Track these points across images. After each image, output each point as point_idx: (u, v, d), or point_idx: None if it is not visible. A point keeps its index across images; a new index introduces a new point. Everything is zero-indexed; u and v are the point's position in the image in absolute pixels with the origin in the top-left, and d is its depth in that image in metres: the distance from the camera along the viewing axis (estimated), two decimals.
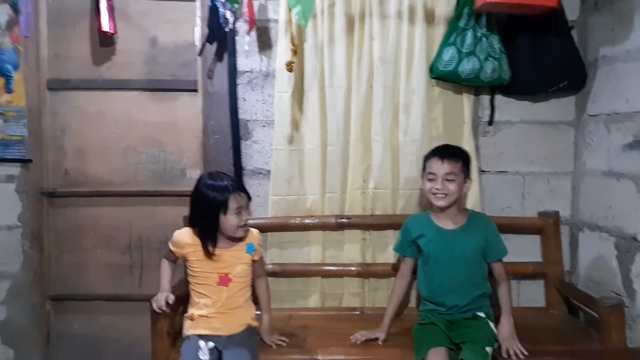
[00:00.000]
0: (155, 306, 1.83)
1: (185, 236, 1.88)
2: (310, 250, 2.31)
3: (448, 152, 1.94)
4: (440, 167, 1.90)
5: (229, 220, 1.79)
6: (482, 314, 1.92)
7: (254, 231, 1.94)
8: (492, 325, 1.89)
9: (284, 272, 2.28)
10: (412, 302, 2.24)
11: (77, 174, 2.49)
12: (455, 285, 1.92)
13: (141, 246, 2.49)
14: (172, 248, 1.91)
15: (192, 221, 1.87)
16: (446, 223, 1.96)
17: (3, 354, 2.42)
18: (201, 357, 1.74)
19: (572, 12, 2.23)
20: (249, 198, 1.85)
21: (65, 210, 2.50)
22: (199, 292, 1.87)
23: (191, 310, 1.88)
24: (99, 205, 2.49)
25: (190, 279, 1.89)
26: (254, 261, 1.92)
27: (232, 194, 1.78)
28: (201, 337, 1.80)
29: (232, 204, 1.78)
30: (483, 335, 1.80)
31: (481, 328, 1.85)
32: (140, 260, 2.50)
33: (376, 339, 1.93)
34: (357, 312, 2.25)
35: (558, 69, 2.15)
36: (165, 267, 1.95)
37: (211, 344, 1.78)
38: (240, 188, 1.83)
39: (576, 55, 2.18)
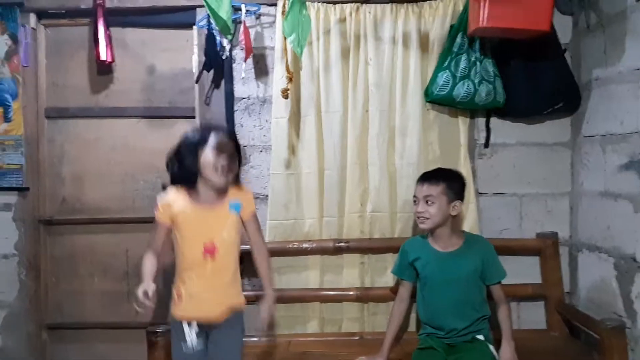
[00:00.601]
0: (135, 306, 1.69)
1: (169, 193, 1.74)
2: (309, 275, 2.30)
3: (429, 175, 1.96)
4: (420, 190, 1.93)
5: (206, 157, 1.65)
6: (481, 337, 1.90)
7: (241, 187, 1.80)
8: (492, 348, 1.87)
9: (282, 298, 2.24)
10: (412, 326, 2.22)
11: (74, 202, 2.49)
12: (453, 308, 1.90)
13: (138, 273, 2.45)
14: (157, 216, 1.74)
15: (173, 175, 1.74)
16: (442, 246, 1.96)
17: None
18: (189, 344, 1.70)
19: (564, 35, 2.26)
20: (238, 150, 1.73)
21: (62, 238, 2.49)
22: (183, 266, 1.74)
23: (178, 284, 1.76)
24: (96, 233, 2.48)
25: (177, 250, 1.76)
26: (245, 221, 1.78)
27: (215, 132, 1.70)
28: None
29: (212, 140, 1.67)
30: (482, 359, 1.78)
31: (481, 353, 1.83)
32: (136, 288, 2.47)
33: None
34: (357, 337, 2.23)
35: (552, 91, 2.17)
36: (148, 259, 1.76)
37: (196, 327, 1.71)
38: (221, 133, 1.72)
39: (570, 78, 2.21)
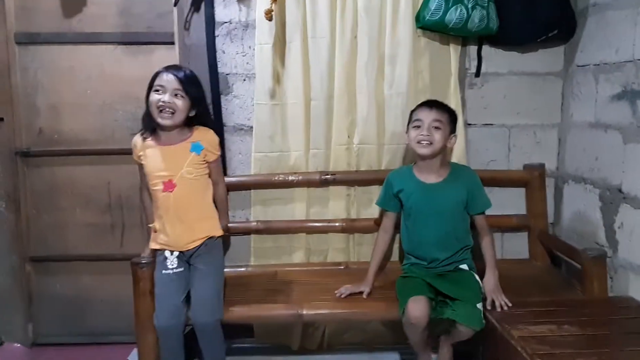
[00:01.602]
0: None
1: (135, 138, 1.88)
2: (295, 207, 2.28)
3: (436, 102, 1.93)
4: (428, 114, 1.88)
5: (150, 98, 1.76)
6: (465, 267, 1.93)
7: (207, 131, 1.88)
8: (477, 277, 1.90)
9: (268, 229, 2.26)
10: (395, 256, 2.24)
11: (52, 133, 2.41)
12: (437, 238, 1.91)
13: (121, 205, 2.44)
14: (134, 158, 1.90)
15: (142, 120, 1.87)
16: (428, 177, 1.94)
17: None
18: (169, 266, 1.82)
19: None
20: (183, 86, 1.76)
21: (41, 170, 2.43)
22: (154, 202, 1.88)
23: (154, 224, 1.91)
24: (76, 165, 2.42)
25: (149, 188, 1.89)
26: (209, 164, 1.89)
27: (159, 73, 1.78)
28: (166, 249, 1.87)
29: (156, 81, 1.77)
30: (472, 292, 1.81)
31: (469, 283, 1.86)
32: (121, 220, 2.45)
33: (361, 293, 1.94)
34: (342, 267, 2.25)
35: (547, 18, 2.08)
36: (145, 200, 1.95)
37: (176, 253, 1.85)
38: (172, 70, 1.78)
39: (566, 3, 2.11)
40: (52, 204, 2.44)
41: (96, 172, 2.42)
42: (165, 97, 1.74)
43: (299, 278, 2.15)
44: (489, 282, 1.86)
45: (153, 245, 1.91)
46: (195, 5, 2.17)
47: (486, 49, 2.23)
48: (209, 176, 1.95)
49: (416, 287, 1.82)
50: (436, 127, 1.87)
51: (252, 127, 2.23)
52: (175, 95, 1.76)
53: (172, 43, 2.25)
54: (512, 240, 2.32)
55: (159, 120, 1.76)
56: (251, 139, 2.23)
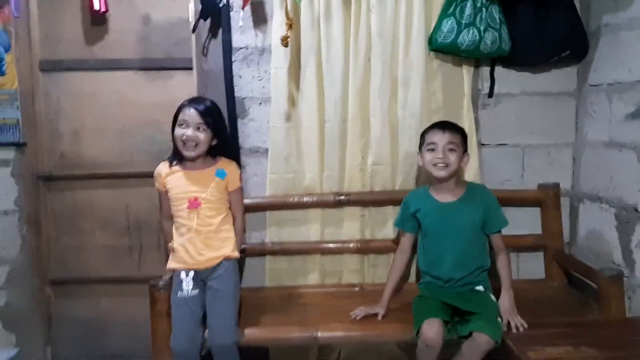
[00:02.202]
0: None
1: (161, 165, 1.95)
2: (310, 228, 2.29)
3: (448, 124, 1.95)
4: (442, 137, 1.89)
5: (175, 132, 1.86)
6: (481, 288, 1.92)
7: (231, 162, 1.98)
8: (493, 298, 1.89)
9: (283, 250, 2.27)
10: (412, 277, 2.23)
11: (73, 157, 2.47)
12: (453, 257, 1.91)
13: (139, 228, 2.48)
14: (156, 186, 1.96)
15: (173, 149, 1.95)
16: (444, 196, 1.95)
17: (5, 339, 2.42)
18: (184, 288, 1.86)
19: None
20: (205, 119, 1.84)
21: (62, 194, 2.49)
22: (176, 222, 1.93)
23: (172, 243, 1.95)
24: (96, 188, 2.48)
25: (172, 210, 1.94)
26: (230, 193, 1.96)
27: (183, 107, 1.86)
28: (183, 270, 1.90)
29: (180, 116, 1.86)
30: (490, 308, 1.81)
31: (486, 301, 1.85)
32: (139, 242, 2.49)
33: (376, 315, 1.93)
34: (357, 289, 2.25)
35: (560, 39, 2.11)
36: (165, 227, 2.01)
37: (192, 274, 1.89)
38: (194, 104, 1.85)
39: (578, 24, 2.14)
40: (73, 227, 2.49)
41: (115, 195, 2.47)
42: (189, 132, 1.84)
43: (314, 300, 2.15)
44: (505, 302, 1.85)
45: (170, 265, 1.94)
46: (213, 32, 2.23)
47: (499, 70, 2.25)
48: (229, 207, 2.00)
49: (432, 308, 1.81)
50: (451, 149, 1.89)
51: (267, 150, 2.27)
52: (198, 128, 1.84)
53: (190, 69, 2.31)
54: (527, 260, 2.31)
55: (184, 152, 1.87)
56: (267, 160, 2.27)
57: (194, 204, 1.89)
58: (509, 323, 1.77)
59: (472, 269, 1.91)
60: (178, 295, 1.87)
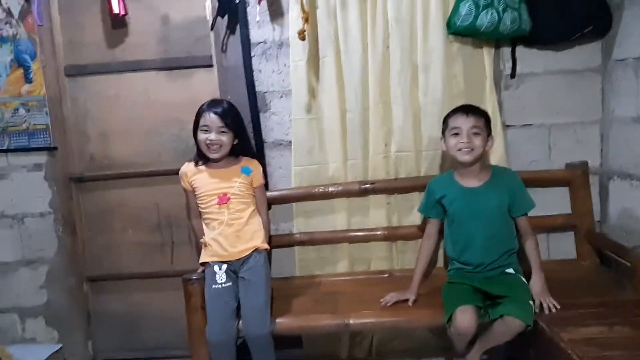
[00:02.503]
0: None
1: (186, 166, 2.05)
2: (336, 217, 2.31)
3: (471, 107, 1.93)
4: (465, 121, 1.88)
5: (198, 137, 1.96)
6: (511, 271, 1.91)
7: (253, 161, 2.08)
8: (524, 279, 1.88)
9: (311, 241, 2.30)
10: (440, 262, 2.24)
11: (102, 158, 2.53)
12: (481, 242, 1.90)
13: (170, 224, 2.54)
14: (182, 186, 2.06)
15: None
16: (470, 181, 1.94)
17: (49, 335, 2.53)
18: (218, 280, 1.93)
19: None
20: (225, 122, 1.93)
21: (94, 194, 2.55)
22: (206, 218, 2.02)
23: (204, 238, 2.02)
24: (126, 187, 2.53)
25: (200, 208, 2.04)
26: (255, 189, 2.06)
27: (203, 112, 1.95)
28: (215, 263, 1.97)
29: (201, 121, 1.95)
30: (522, 290, 1.80)
31: (517, 284, 1.85)
32: (170, 238, 2.55)
33: (406, 301, 1.95)
34: (386, 275, 2.27)
35: (581, 14, 2.06)
36: (195, 225, 2.10)
37: (225, 267, 1.95)
38: (214, 109, 1.94)
39: None
40: (105, 226, 2.57)
41: (145, 194, 2.52)
42: (212, 136, 1.94)
43: (344, 288, 2.18)
44: (536, 284, 1.84)
45: (203, 259, 2.01)
46: (231, 28, 2.25)
47: (520, 50, 2.21)
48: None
49: (463, 294, 1.81)
50: (475, 133, 1.87)
51: (290, 142, 2.29)
52: (220, 131, 1.94)
53: (211, 66, 2.34)
54: (558, 241, 2.29)
55: (210, 155, 1.97)
56: (290, 153, 2.29)
57: (223, 200, 1.98)
58: (541, 305, 1.77)
59: (501, 252, 1.91)
60: (212, 287, 1.93)
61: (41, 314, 2.51)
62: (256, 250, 2.00)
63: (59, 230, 2.48)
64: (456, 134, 1.90)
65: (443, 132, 1.98)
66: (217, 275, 1.94)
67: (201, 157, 2.02)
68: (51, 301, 2.51)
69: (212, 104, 1.98)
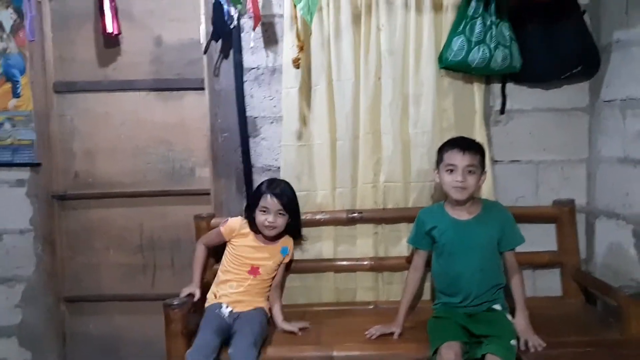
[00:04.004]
0: (180, 296, 1.99)
1: (237, 222, 2.11)
2: (322, 245, 2.29)
3: (468, 144, 1.91)
4: (462, 159, 1.87)
5: (256, 216, 2.05)
6: (498, 307, 1.90)
7: (290, 238, 2.17)
8: (509, 317, 1.87)
9: (296, 269, 2.26)
10: (427, 295, 2.22)
11: (87, 176, 2.50)
12: (470, 275, 1.89)
13: (153, 246, 2.50)
14: (222, 230, 2.11)
15: (246, 212, 2.13)
16: (460, 214, 1.94)
17: (21, 356, 2.45)
18: (222, 310, 1.98)
19: None
20: (284, 206, 2.03)
21: (76, 213, 2.51)
22: (227, 274, 2.07)
23: (215, 289, 2.07)
24: (110, 207, 2.50)
25: (225, 262, 2.09)
26: (283, 262, 2.14)
27: (263, 194, 2.04)
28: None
29: (261, 202, 2.03)
30: (506, 329, 1.78)
31: (502, 322, 1.83)
32: (152, 260, 2.51)
33: (392, 334, 1.92)
34: (371, 307, 2.24)
35: (571, 55, 2.10)
36: (200, 254, 2.13)
37: (230, 308, 2.00)
38: (275, 192, 2.03)
39: (589, 40, 2.13)
40: (87, 245, 2.52)
41: (129, 214, 2.49)
42: (270, 218, 2.03)
43: (328, 318, 2.14)
44: (520, 321, 1.83)
45: (211, 300, 2.05)
46: (224, 53, 2.25)
47: (510, 86, 2.24)
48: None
49: (450, 329, 1.79)
50: (470, 172, 1.87)
51: (279, 168, 2.28)
52: (278, 214, 2.04)
53: (202, 89, 2.34)
54: (544, 277, 2.28)
55: (265, 233, 2.06)
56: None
57: (254, 272, 2.07)
58: (526, 343, 1.75)
59: (489, 286, 1.90)
60: (214, 312, 1.98)
61: (14, 334, 2.44)
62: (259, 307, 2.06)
63: (38, 248, 2.42)
64: (451, 170, 1.89)
65: (437, 164, 1.96)
66: (222, 307, 1.99)
67: (252, 228, 2.09)
68: (26, 321, 2.44)
69: (274, 187, 2.06)
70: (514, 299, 1.90)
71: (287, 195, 2.06)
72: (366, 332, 1.93)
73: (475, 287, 1.89)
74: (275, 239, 2.11)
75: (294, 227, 2.16)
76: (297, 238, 2.20)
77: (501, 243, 1.92)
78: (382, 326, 1.94)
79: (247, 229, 2.09)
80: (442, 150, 1.95)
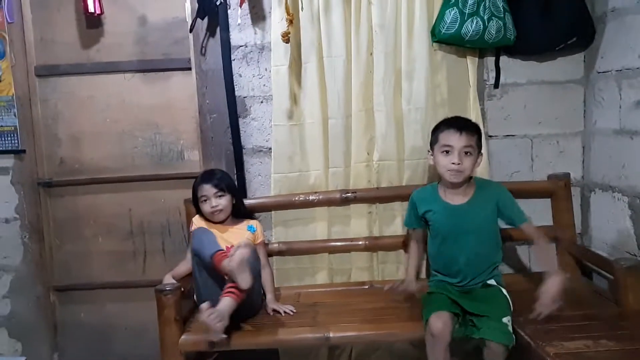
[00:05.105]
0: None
1: (197, 218, 2.08)
2: (316, 226, 2.26)
3: (465, 124, 1.84)
4: (458, 140, 1.80)
5: (202, 208, 2.04)
6: (492, 282, 1.87)
7: (254, 219, 2.15)
8: (505, 292, 1.84)
9: (290, 250, 2.24)
10: (423, 273, 2.19)
11: (73, 162, 2.44)
12: (466, 259, 1.86)
13: (143, 232, 2.45)
14: (193, 230, 2.06)
15: (196, 209, 2.10)
16: (454, 198, 1.89)
17: (12, 347, 2.40)
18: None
19: None
20: (219, 187, 2.01)
21: (63, 200, 2.45)
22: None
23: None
24: (97, 193, 2.44)
25: None
26: (257, 245, 2.06)
27: (198, 186, 2.04)
28: None
29: (199, 193, 2.03)
30: (497, 308, 1.75)
31: (496, 297, 1.81)
32: (143, 246, 2.46)
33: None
34: (367, 286, 2.21)
35: (565, 26, 2.06)
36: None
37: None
38: (204, 179, 2.03)
39: (584, 10, 2.09)
40: (75, 233, 2.46)
41: (117, 200, 2.44)
42: (213, 203, 2.01)
43: (323, 299, 2.11)
44: (553, 286, 1.71)
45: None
46: (211, 31, 2.19)
47: (504, 60, 2.21)
48: None
49: (441, 302, 1.77)
50: (467, 153, 1.81)
51: (270, 149, 2.23)
52: (217, 197, 2.02)
53: (189, 69, 2.28)
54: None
55: (215, 219, 2.04)
56: (270, 160, 2.23)
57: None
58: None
59: (485, 267, 1.87)
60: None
61: (4, 325, 2.38)
62: None
63: (25, 237, 2.36)
64: (447, 152, 1.83)
65: (432, 145, 1.90)
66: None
67: (208, 220, 2.06)
68: (15, 311, 2.38)
69: (206, 176, 2.05)
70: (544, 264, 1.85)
71: (217, 177, 2.04)
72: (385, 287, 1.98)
73: (471, 268, 1.86)
74: (235, 222, 2.08)
75: (244, 208, 2.13)
76: (253, 218, 2.16)
77: (511, 219, 1.88)
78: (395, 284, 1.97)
79: (204, 222, 2.06)
80: (437, 130, 1.88)
